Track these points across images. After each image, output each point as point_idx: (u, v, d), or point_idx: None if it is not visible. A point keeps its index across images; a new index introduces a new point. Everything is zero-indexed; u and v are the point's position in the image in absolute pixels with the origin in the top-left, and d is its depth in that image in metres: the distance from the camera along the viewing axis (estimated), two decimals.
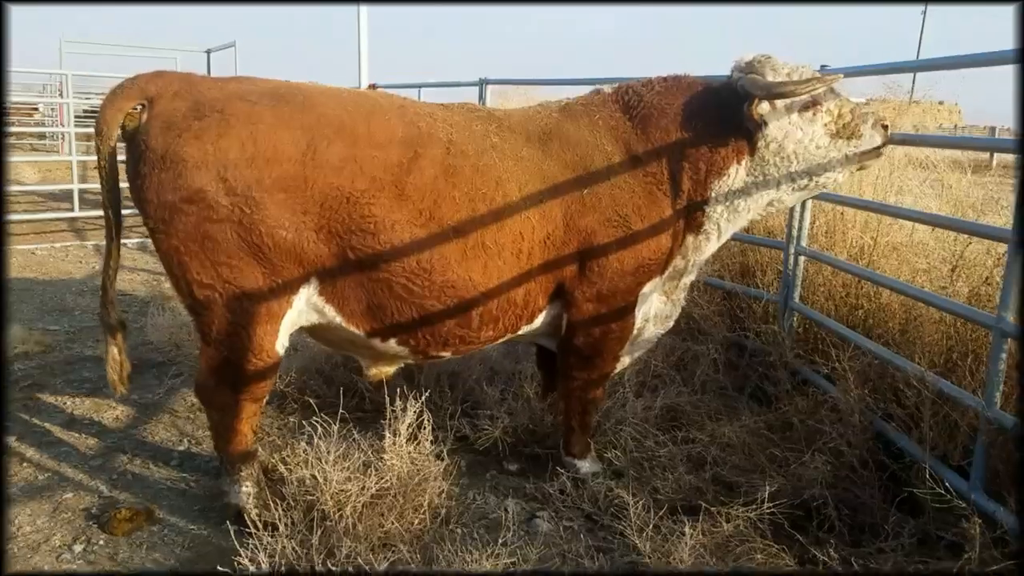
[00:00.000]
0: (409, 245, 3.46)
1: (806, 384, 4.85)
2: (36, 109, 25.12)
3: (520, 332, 3.96)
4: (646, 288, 3.94)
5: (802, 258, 5.36)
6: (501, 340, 3.97)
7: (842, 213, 5.81)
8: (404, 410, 3.69)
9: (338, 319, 3.56)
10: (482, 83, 8.92)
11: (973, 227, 4.04)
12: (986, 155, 15.21)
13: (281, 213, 3.28)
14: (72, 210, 11.82)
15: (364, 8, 10.76)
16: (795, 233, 5.36)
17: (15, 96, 26.25)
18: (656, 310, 4.19)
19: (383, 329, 3.63)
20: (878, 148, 3.80)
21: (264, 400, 3.74)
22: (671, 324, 4.33)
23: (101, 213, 3.57)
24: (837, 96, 3.76)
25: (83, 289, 8.12)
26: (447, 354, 3.86)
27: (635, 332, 4.14)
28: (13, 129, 22.00)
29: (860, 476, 3.79)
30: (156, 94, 3.34)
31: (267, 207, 3.26)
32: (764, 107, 3.67)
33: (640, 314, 4.08)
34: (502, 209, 3.64)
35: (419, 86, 10.33)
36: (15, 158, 14.33)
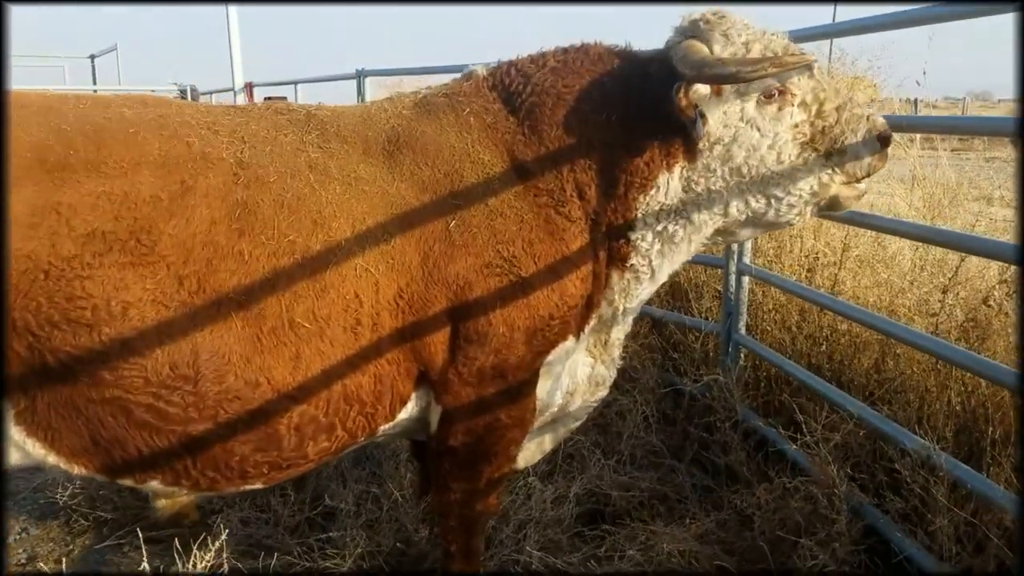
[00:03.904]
0: (155, 339, 2.18)
1: (763, 446, 3.78)
2: None
3: (379, 434, 2.72)
4: (552, 355, 2.75)
5: (746, 278, 4.29)
6: (350, 448, 2.72)
7: None
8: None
9: (51, 458, 2.26)
10: (360, 75, 7.56)
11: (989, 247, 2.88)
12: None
13: None
14: None
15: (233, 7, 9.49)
16: (736, 247, 4.27)
17: None
18: (583, 376, 3.00)
19: (129, 467, 2.33)
20: (866, 172, 2.62)
21: None
22: (604, 392, 3.13)
23: None
24: (819, 84, 2.61)
25: None
26: (255, 485, 2.59)
27: (555, 409, 2.97)
28: None
29: None
30: None
31: None
32: (700, 92, 2.51)
33: (562, 386, 2.91)
34: (324, 262, 2.41)
35: (296, 82, 8.97)
36: None
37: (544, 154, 2.66)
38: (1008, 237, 3.52)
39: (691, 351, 4.53)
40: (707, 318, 4.72)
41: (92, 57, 15.91)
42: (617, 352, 3.06)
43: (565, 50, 2.83)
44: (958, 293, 3.48)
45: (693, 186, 2.64)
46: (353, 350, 2.46)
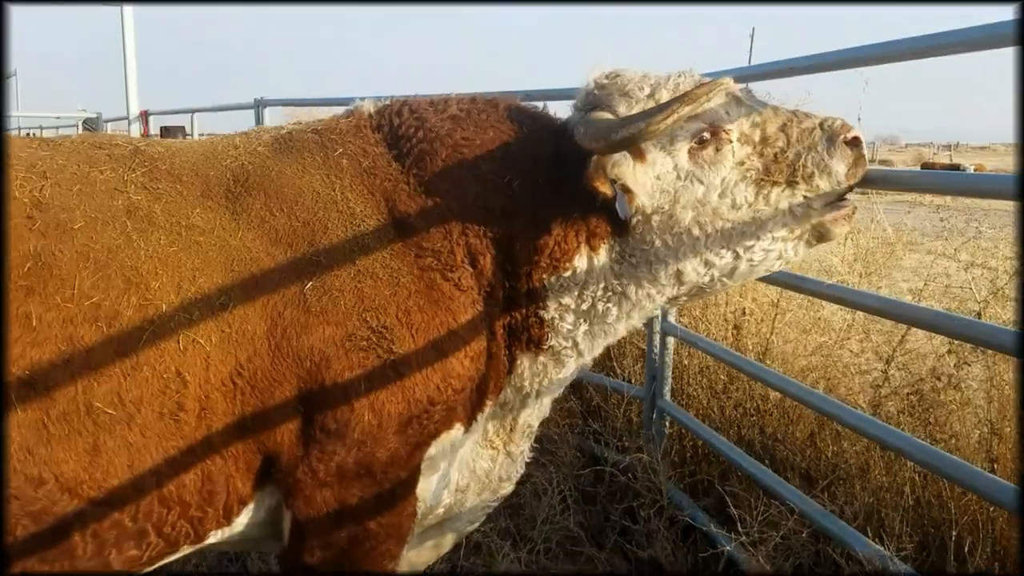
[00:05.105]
0: None
1: (691, 530, 3.34)
2: None
3: (209, 540, 2.17)
4: (435, 448, 2.25)
5: (671, 339, 3.88)
6: (171, 558, 2.16)
7: None
8: None
9: None
10: (258, 105, 7.06)
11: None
12: None
13: None
14: None
15: (131, 35, 8.94)
16: None
17: None
18: (481, 470, 2.51)
19: None
20: (845, 186, 2.19)
21: None
22: (509, 488, 2.64)
23: None
24: (753, 109, 2.22)
25: None
26: None
27: (442, 511, 2.47)
28: None
29: None
30: None
31: None
32: (620, 164, 2.10)
33: (450, 483, 2.43)
34: (137, 332, 1.93)
35: (193, 111, 8.40)
36: None
37: (432, 209, 2.23)
38: (953, 303, 3.18)
39: (613, 417, 4.09)
40: (630, 380, 4.29)
41: None
42: (527, 444, 2.61)
43: (473, 99, 2.44)
44: (905, 364, 3.12)
45: (628, 259, 2.23)
46: (173, 441, 1.97)
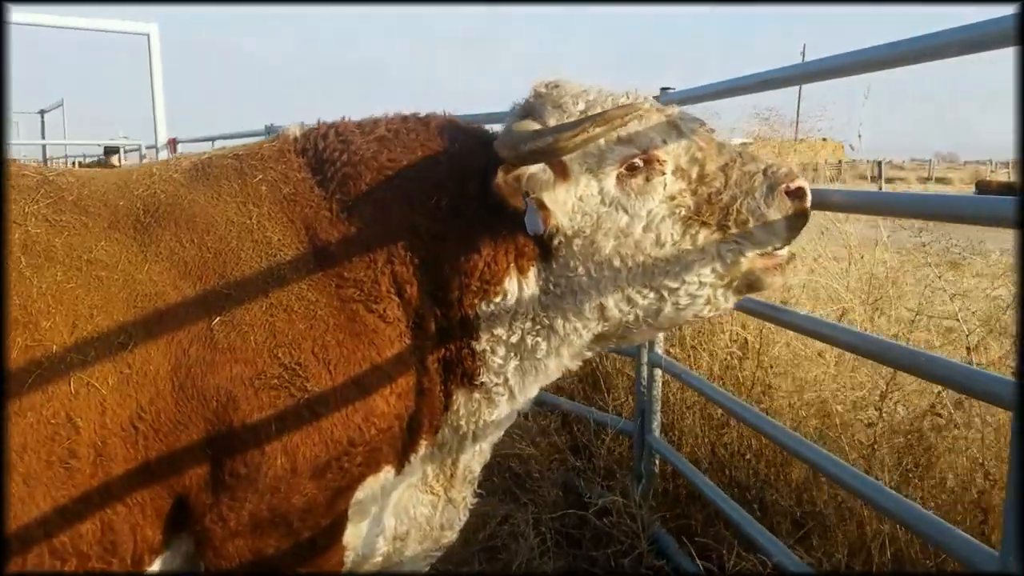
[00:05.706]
0: None
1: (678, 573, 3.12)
2: None
3: None
4: (363, 492, 2.10)
5: (658, 371, 3.67)
6: None
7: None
8: None
9: None
10: (269, 132, 7.04)
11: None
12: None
13: None
14: None
15: (157, 60, 9.01)
16: None
17: None
18: (419, 517, 2.35)
19: None
20: (782, 238, 2.04)
21: None
22: (451, 537, 2.47)
23: None
24: (695, 143, 2.06)
25: None
26: None
27: (378, 559, 2.31)
28: None
29: None
30: None
31: None
32: (539, 177, 1.99)
33: (385, 530, 2.26)
34: (21, 375, 1.81)
35: (212, 139, 8.50)
36: None
37: (354, 237, 2.11)
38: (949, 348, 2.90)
39: (598, 455, 3.87)
40: (620, 413, 4.08)
41: (42, 112, 15.90)
42: (469, 490, 2.42)
43: (404, 118, 2.32)
44: (897, 401, 2.87)
45: (553, 288, 2.10)
46: (64, 490, 1.85)
